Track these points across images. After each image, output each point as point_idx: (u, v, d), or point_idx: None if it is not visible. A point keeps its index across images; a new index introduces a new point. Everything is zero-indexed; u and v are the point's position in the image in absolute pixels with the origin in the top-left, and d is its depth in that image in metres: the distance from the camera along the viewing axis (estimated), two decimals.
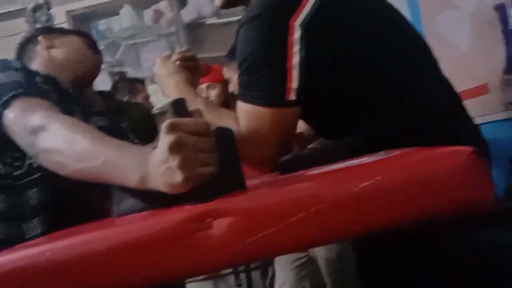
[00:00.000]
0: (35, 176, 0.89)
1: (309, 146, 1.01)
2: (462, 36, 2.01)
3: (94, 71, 1.13)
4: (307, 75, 0.81)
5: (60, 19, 2.62)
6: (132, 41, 3.00)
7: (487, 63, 1.79)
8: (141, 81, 2.44)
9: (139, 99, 2.29)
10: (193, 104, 0.88)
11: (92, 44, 1.14)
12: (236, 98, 0.87)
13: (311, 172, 0.63)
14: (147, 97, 2.33)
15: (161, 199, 0.61)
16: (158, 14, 3.01)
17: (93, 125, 1.11)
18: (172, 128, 0.55)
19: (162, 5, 3.01)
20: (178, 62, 1.01)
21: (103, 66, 1.25)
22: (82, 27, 3.08)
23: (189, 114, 0.61)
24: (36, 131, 0.77)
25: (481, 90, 1.78)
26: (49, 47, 1.07)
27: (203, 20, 2.98)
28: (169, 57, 1.02)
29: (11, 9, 2.48)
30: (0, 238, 0.87)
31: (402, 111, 0.82)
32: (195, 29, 2.99)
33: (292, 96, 0.81)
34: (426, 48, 0.91)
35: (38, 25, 2.42)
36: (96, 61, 1.14)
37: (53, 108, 0.83)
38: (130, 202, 0.67)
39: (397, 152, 0.61)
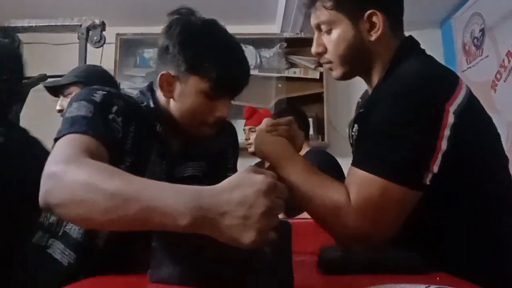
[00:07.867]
0: None
1: None
2: None
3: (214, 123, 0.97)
4: (448, 163, 0.77)
5: (109, 40, 2.68)
6: None
7: None
8: None
9: None
10: (295, 165, 0.87)
11: (216, 87, 0.91)
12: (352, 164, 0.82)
13: None
14: None
15: (201, 276, 0.62)
16: None
17: (182, 172, 1.00)
18: (272, 191, 0.55)
19: None
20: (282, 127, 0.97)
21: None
22: (128, 52, 3.15)
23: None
24: (50, 178, 0.65)
25: None
26: (169, 95, 0.95)
27: None
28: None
29: (66, 23, 2.55)
30: None
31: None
32: None
33: (428, 181, 0.77)
34: None
35: (89, 44, 2.48)
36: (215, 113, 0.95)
37: (88, 153, 0.71)
38: (168, 271, 0.66)
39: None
